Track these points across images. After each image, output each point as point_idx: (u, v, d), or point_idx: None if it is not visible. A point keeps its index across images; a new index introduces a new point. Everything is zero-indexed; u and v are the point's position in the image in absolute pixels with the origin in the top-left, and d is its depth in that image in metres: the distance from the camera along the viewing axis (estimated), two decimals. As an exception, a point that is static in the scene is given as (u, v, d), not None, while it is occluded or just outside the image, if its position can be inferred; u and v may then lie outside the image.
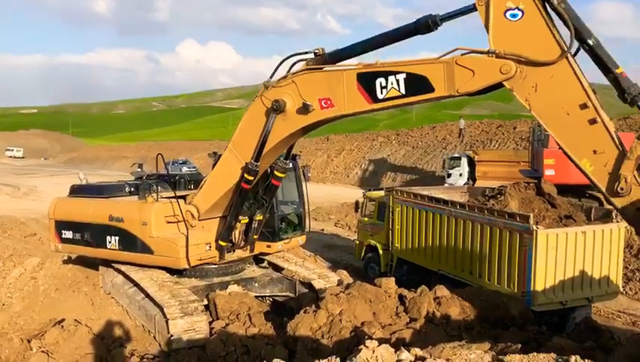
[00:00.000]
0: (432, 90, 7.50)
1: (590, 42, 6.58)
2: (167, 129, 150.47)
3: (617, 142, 6.56)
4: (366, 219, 16.42)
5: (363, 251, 16.35)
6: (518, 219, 10.71)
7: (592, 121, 6.60)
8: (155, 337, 10.46)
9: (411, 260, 14.18)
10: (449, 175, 30.29)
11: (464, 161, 29.94)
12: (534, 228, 10.26)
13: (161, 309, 10.14)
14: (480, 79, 7.12)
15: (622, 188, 6.48)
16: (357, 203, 17.09)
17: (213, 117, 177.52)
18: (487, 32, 6.97)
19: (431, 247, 13.27)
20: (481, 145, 40.85)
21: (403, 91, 7.70)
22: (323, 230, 23.57)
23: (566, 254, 10.42)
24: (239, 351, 9.12)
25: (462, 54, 7.31)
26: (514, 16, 6.73)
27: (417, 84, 7.57)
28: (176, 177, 12.62)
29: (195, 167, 45.81)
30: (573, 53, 6.68)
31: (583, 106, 6.62)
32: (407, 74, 7.63)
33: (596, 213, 12.27)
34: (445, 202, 12.99)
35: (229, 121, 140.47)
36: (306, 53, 8.86)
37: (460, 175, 29.58)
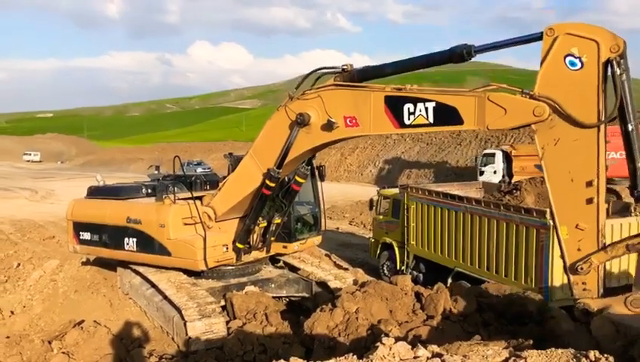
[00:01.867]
0: (461, 122, 7.32)
1: (629, 127, 6.38)
2: (181, 130, 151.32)
3: (601, 232, 6.59)
4: (381, 216, 16.40)
5: (378, 249, 16.33)
6: (534, 214, 10.65)
7: (589, 201, 6.54)
8: (173, 338, 10.53)
9: (427, 257, 14.15)
10: (482, 172, 28.96)
11: (499, 156, 28.68)
12: (551, 223, 10.19)
13: (179, 311, 10.21)
14: (511, 119, 6.92)
15: (582, 268, 6.62)
16: (371, 201, 17.07)
17: (227, 117, 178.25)
18: (540, 66, 6.67)
19: (447, 244, 13.23)
20: (495, 140, 40.54)
21: (431, 120, 7.51)
22: (338, 228, 23.58)
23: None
24: (256, 350, 9.17)
25: (495, 90, 7.14)
26: (572, 64, 6.37)
27: (446, 114, 7.37)
28: (192, 178, 12.68)
29: (209, 168, 46.06)
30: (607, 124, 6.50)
31: (589, 184, 6.51)
32: (437, 103, 7.42)
33: (614, 206, 12.14)
34: (461, 198, 12.94)
35: (242, 121, 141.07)
36: (334, 68, 8.69)
37: (495, 172, 28.37)
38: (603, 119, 6.34)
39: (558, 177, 6.70)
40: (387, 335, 7.26)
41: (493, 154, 29.30)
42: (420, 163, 44.47)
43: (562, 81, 6.48)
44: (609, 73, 6.29)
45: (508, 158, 28.25)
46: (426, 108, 7.50)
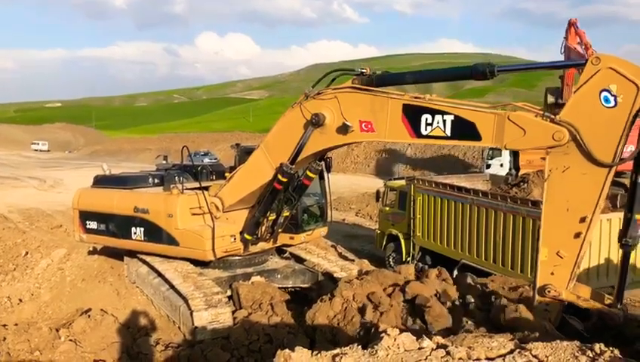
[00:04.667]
0: (478, 138, 7.23)
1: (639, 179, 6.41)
2: (189, 121, 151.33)
3: (577, 264, 6.72)
4: (387, 208, 16.40)
5: (384, 240, 16.35)
6: (541, 206, 10.59)
7: (577, 235, 6.60)
8: (179, 327, 10.60)
9: (433, 249, 14.15)
10: (488, 166, 28.91)
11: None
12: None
13: (186, 301, 10.26)
14: (530, 140, 6.83)
15: (549, 291, 6.81)
16: (378, 192, 17.06)
17: (234, 108, 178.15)
18: (573, 91, 6.62)
19: (453, 236, 13.22)
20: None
21: (448, 133, 7.39)
22: (344, 220, 23.59)
23: (590, 242, 10.29)
24: (262, 340, 9.22)
25: (515, 109, 7.09)
26: (607, 100, 6.25)
27: (465, 129, 7.26)
28: (199, 168, 12.70)
29: (216, 158, 46.06)
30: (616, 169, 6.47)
31: (582, 219, 6.54)
32: (456, 117, 7.30)
33: (622, 200, 12.06)
34: (468, 190, 12.91)
35: (249, 112, 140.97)
36: (352, 70, 8.62)
37: (501, 165, 28.22)
38: (615, 163, 6.30)
39: (555, 203, 6.72)
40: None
41: (499, 148, 29.08)
42: (427, 155, 44.30)
43: (591, 113, 6.37)
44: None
45: (515, 152, 28.07)
46: (444, 121, 7.38)
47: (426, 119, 7.53)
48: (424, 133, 7.60)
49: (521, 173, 24.07)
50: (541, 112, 6.83)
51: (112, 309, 11.30)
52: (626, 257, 6.96)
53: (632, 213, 6.50)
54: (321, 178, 13.16)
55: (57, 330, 10.19)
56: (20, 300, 12.64)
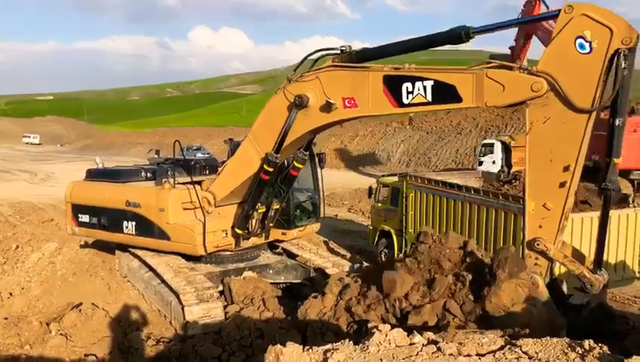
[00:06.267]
0: (459, 100, 7.30)
1: (617, 121, 6.44)
2: (182, 115, 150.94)
3: (565, 215, 6.80)
4: (380, 204, 16.41)
5: (377, 236, 16.37)
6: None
7: (562, 184, 6.69)
8: (170, 322, 10.59)
9: (425, 245, 14.17)
10: (480, 163, 28.72)
11: (498, 147, 28.47)
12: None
13: (177, 296, 10.24)
14: (510, 95, 6.92)
15: (538, 244, 6.93)
16: (370, 188, 17.07)
17: (227, 103, 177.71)
18: (550, 42, 6.67)
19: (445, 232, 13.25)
20: (496, 130, 40.51)
21: (429, 98, 7.49)
22: (337, 216, 23.62)
23: (581, 239, 10.36)
24: (254, 335, 9.21)
25: (492, 67, 7.11)
26: (581, 47, 6.35)
27: (445, 92, 7.36)
28: (192, 162, 12.67)
29: (209, 153, 45.98)
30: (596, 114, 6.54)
31: (566, 168, 6.63)
32: (436, 81, 7.40)
33: (613, 198, 12.14)
34: (460, 187, 12.95)
35: (242, 106, 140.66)
36: (333, 49, 8.67)
37: (494, 162, 28.11)
38: (595, 108, 6.40)
39: (538, 154, 6.81)
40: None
41: (492, 145, 29.25)
42: (420, 151, 44.43)
43: (567, 61, 6.50)
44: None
45: (507, 149, 28.26)
46: (425, 87, 7.49)
47: (407, 88, 7.63)
48: (406, 101, 7.70)
49: (513, 170, 24.29)
50: (518, 65, 6.94)
51: (103, 303, 11.25)
52: (606, 202, 6.98)
53: (610, 157, 6.55)
54: (314, 173, 13.17)
55: (48, 324, 10.15)
56: (10, 294, 12.56)
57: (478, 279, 7.01)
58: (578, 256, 7.21)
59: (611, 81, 6.41)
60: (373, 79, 8.02)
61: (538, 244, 6.91)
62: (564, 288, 7.43)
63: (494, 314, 6.58)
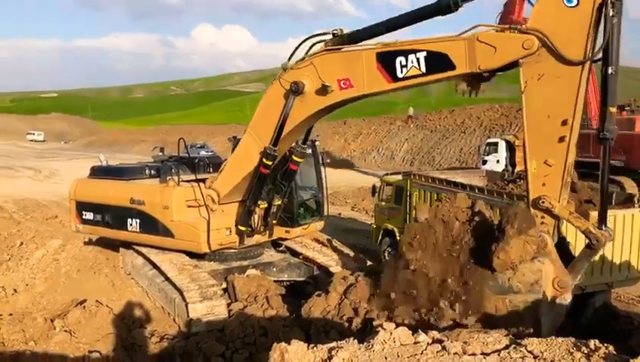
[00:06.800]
0: (453, 67, 7.34)
1: (610, 70, 6.45)
2: (185, 113, 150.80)
3: (567, 170, 6.80)
4: (383, 203, 16.37)
5: (380, 235, 16.33)
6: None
7: (561, 139, 6.70)
8: (174, 319, 10.62)
9: (429, 244, 14.14)
10: (484, 161, 28.57)
11: (502, 146, 28.40)
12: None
13: (181, 293, 10.27)
14: (502, 55, 6.98)
15: (542, 202, 6.88)
16: (374, 187, 17.03)
17: (231, 100, 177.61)
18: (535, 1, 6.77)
19: (449, 232, 13.21)
20: (500, 129, 40.41)
21: (424, 70, 7.56)
22: (340, 214, 23.59)
23: (585, 239, 10.30)
24: (257, 333, 9.23)
25: (483, 30, 7.16)
26: (569, 0, 6.45)
27: (438, 61, 7.42)
28: (196, 160, 12.68)
29: (212, 151, 45.97)
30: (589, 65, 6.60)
31: (564, 122, 6.65)
32: (428, 52, 7.48)
33: (617, 197, 12.09)
34: (464, 186, 12.90)
35: (246, 104, 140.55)
36: (325, 34, 8.74)
37: (498, 161, 27.95)
38: (587, 59, 6.45)
39: (535, 111, 6.84)
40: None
41: (496, 144, 29.15)
42: (424, 150, 44.36)
43: (556, 15, 6.57)
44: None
45: (511, 148, 28.13)
46: (418, 59, 7.56)
47: (400, 61, 7.70)
48: (400, 75, 7.77)
49: (517, 169, 24.17)
50: (507, 26, 6.98)
51: (107, 300, 11.29)
52: (605, 151, 6.85)
53: (606, 105, 6.57)
54: (317, 172, 13.16)
55: (52, 321, 10.19)
56: (15, 290, 12.61)
57: (485, 239, 6.92)
58: (582, 213, 7.21)
59: (602, 31, 6.48)
60: (366, 57, 8.10)
61: (543, 202, 6.88)
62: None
63: (501, 271, 6.53)
